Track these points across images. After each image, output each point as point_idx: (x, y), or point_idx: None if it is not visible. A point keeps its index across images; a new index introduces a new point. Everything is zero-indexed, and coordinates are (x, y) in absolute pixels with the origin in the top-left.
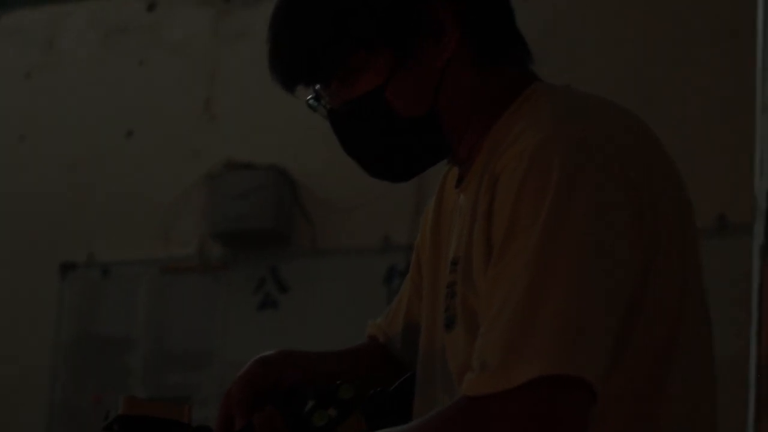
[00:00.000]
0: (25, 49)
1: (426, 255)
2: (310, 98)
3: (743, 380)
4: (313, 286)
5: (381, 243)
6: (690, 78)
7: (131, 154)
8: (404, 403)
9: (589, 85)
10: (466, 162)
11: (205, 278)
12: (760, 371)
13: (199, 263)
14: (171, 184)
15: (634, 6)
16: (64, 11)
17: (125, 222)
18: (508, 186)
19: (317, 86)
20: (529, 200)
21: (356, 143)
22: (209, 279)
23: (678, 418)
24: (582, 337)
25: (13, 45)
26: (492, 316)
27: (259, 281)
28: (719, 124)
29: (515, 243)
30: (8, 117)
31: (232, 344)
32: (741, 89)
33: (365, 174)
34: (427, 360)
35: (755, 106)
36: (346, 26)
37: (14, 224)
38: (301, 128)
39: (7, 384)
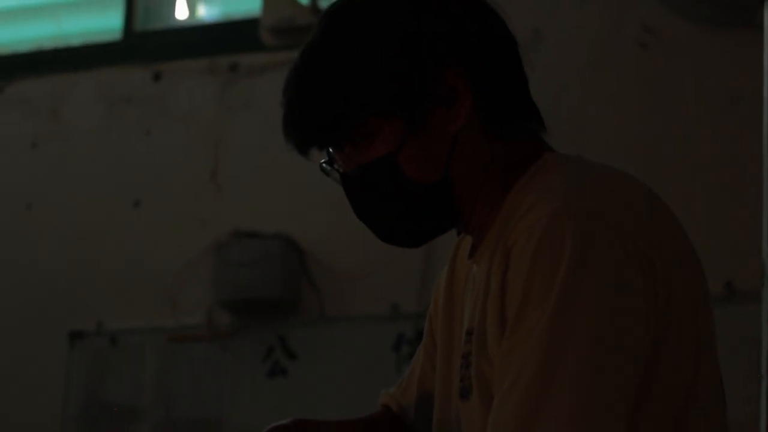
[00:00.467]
0: (31, 119)
1: (439, 324)
2: (323, 162)
3: None
4: (322, 353)
5: (389, 311)
6: (696, 145)
7: (138, 223)
8: None
9: (595, 154)
10: (478, 232)
11: (213, 346)
12: None
13: (207, 331)
14: (178, 253)
15: (639, 77)
16: (70, 81)
17: (133, 291)
18: (521, 258)
19: (330, 150)
20: (542, 273)
21: (367, 208)
22: (217, 347)
23: None
24: (594, 416)
25: (19, 114)
26: (505, 390)
27: (268, 349)
28: (725, 192)
29: (528, 317)
30: (15, 186)
31: (242, 412)
32: (747, 156)
33: (372, 242)
34: (441, 429)
35: (762, 173)
36: (359, 92)
37: (22, 293)
38: (308, 197)
39: None
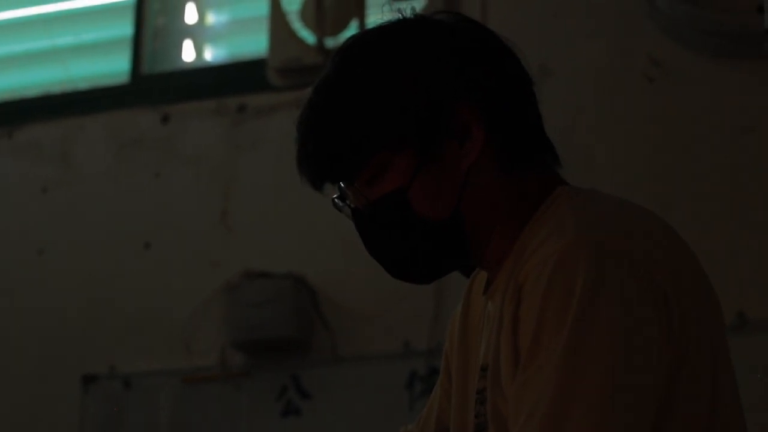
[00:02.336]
0: (41, 164)
1: (454, 360)
2: (335, 197)
3: None
4: (335, 392)
5: (401, 349)
6: (707, 177)
7: (149, 265)
8: None
9: (606, 189)
10: (493, 267)
11: (227, 387)
12: None
13: (221, 372)
14: (190, 294)
15: (647, 110)
16: (78, 125)
17: (145, 333)
18: (533, 292)
19: (342, 185)
20: (554, 307)
21: (378, 244)
22: (231, 388)
23: None
24: None
25: (28, 160)
26: (519, 426)
27: (281, 389)
28: (736, 222)
29: (541, 351)
30: (26, 231)
31: None
32: (758, 186)
33: (383, 280)
34: None
35: None
36: (371, 126)
37: (34, 338)
38: (319, 236)
39: None
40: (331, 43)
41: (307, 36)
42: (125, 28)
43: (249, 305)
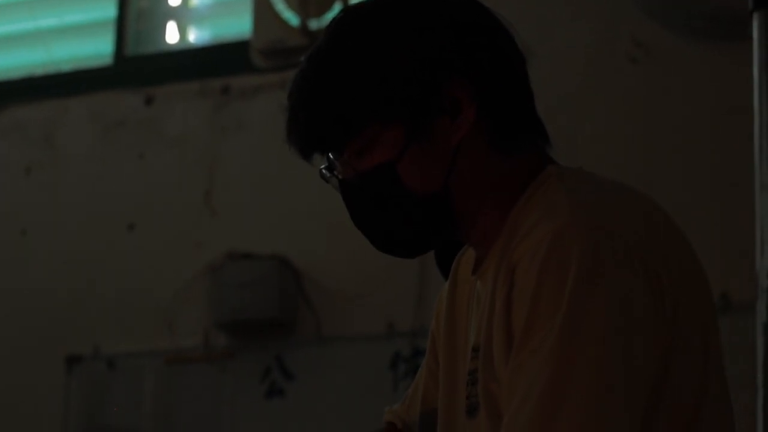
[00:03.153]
0: (25, 145)
1: (441, 341)
2: (323, 168)
3: None
4: (319, 373)
5: (385, 330)
6: (689, 158)
7: (133, 247)
8: None
9: (590, 169)
10: (481, 247)
11: (210, 368)
12: None
13: (204, 353)
14: (174, 275)
15: (631, 91)
16: (62, 106)
17: (129, 314)
18: (526, 276)
19: (331, 156)
20: (548, 291)
21: (365, 215)
22: (215, 369)
23: None
24: None
25: (12, 141)
26: (514, 408)
27: (265, 370)
28: (719, 204)
29: (535, 335)
30: (9, 212)
31: None
32: (741, 168)
33: (368, 261)
34: None
35: (755, 185)
36: (361, 98)
37: (18, 318)
38: (303, 217)
39: None
40: (315, 24)
41: (291, 17)
42: (109, 10)
43: (233, 286)
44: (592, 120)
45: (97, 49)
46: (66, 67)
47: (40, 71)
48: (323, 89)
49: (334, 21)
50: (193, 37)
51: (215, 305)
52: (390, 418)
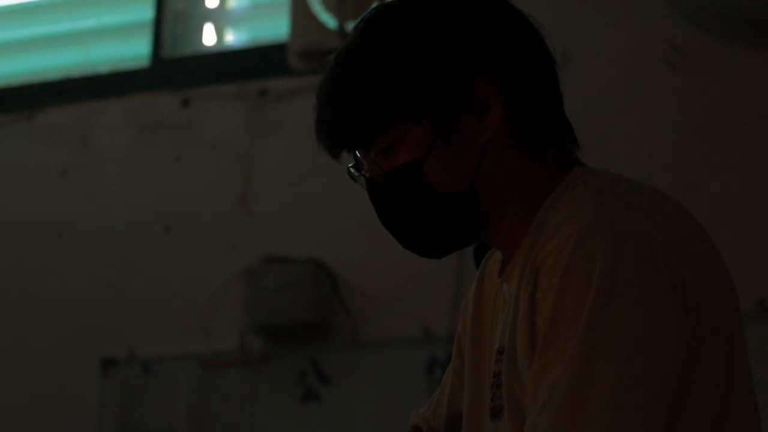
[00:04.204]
0: (61, 147)
1: (467, 344)
2: (351, 166)
3: None
4: (355, 377)
5: (421, 334)
6: (727, 163)
7: (169, 250)
8: None
9: (626, 173)
10: (508, 248)
11: (246, 372)
12: None
13: (240, 357)
14: (209, 279)
15: (669, 96)
16: (98, 108)
17: (165, 317)
18: (550, 277)
19: (358, 154)
20: (572, 292)
21: (391, 214)
22: (250, 372)
23: None
24: None
25: (48, 143)
26: (537, 411)
27: (301, 374)
28: (756, 209)
29: (559, 337)
30: (46, 215)
31: None
32: None
33: (404, 265)
34: None
35: None
36: (389, 95)
37: (53, 321)
38: (339, 220)
39: None
40: (352, 26)
41: (328, 20)
42: (146, 12)
43: (268, 290)
44: (629, 125)
45: (134, 50)
46: (103, 69)
47: (76, 73)
48: (350, 86)
49: (363, 20)
50: (230, 39)
51: (251, 308)
52: (416, 422)
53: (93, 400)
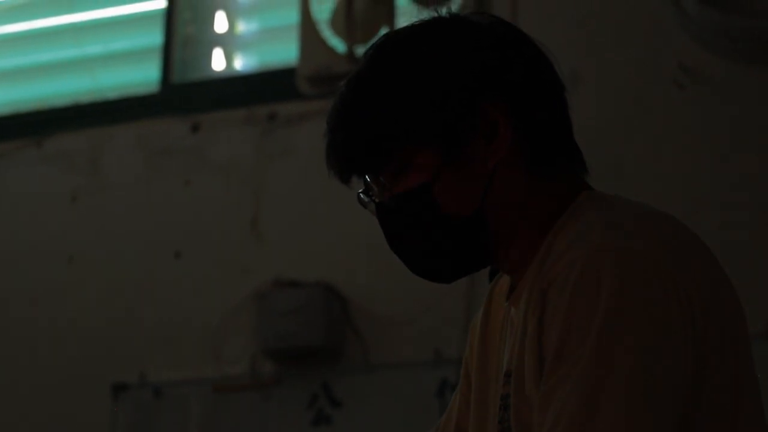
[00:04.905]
0: (70, 173)
1: (474, 367)
2: (361, 192)
3: None
4: (366, 400)
5: (432, 357)
6: (737, 184)
7: (179, 274)
8: None
9: (635, 195)
10: (515, 272)
11: (257, 396)
12: None
13: (251, 381)
14: (220, 303)
15: (677, 117)
16: (108, 134)
17: (176, 341)
18: (558, 300)
19: (368, 179)
20: (580, 315)
21: (401, 239)
22: (261, 396)
23: None
24: None
25: (58, 169)
26: None
27: (312, 397)
28: (765, 228)
29: (566, 359)
30: (56, 240)
31: None
32: None
33: (414, 288)
34: None
35: None
36: (398, 120)
37: (64, 346)
38: (349, 244)
39: None
40: (361, 51)
41: (338, 44)
42: (155, 37)
43: (279, 313)
44: (638, 146)
45: (143, 76)
46: (112, 95)
47: (85, 99)
48: (360, 111)
49: (373, 46)
50: (240, 64)
51: (262, 332)
52: None
53: (104, 424)
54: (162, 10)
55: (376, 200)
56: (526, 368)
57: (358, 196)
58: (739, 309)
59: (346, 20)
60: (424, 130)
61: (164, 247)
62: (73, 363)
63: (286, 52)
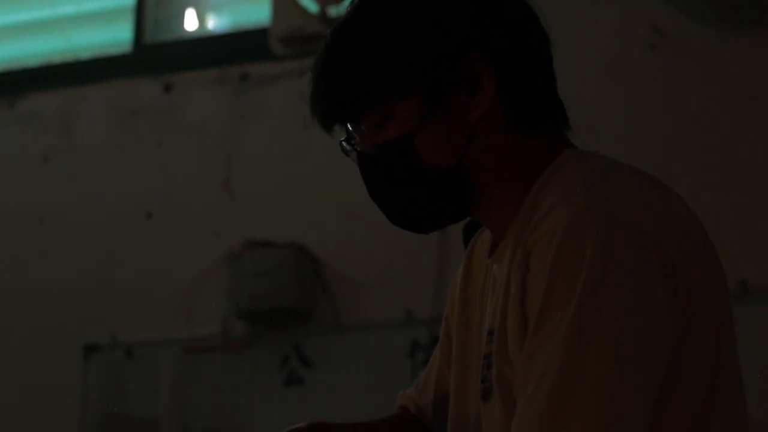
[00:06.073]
0: (42, 133)
1: (455, 325)
2: (343, 140)
3: None
4: (338, 361)
5: (403, 317)
6: (709, 145)
7: (151, 235)
8: None
9: (609, 155)
10: (497, 229)
11: (228, 357)
12: None
13: (223, 342)
14: (192, 264)
15: (649, 79)
16: (79, 94)
17: (147, 303)
18: (541, 261)
19: (350, 127)
20: (563, 278)
21: (380, 188)
22: (233, 357)
23: None
24: (618, 420)
25: (29, 129)
26: (527, 396)
27: (283, 358)
28: (739, 191)
29: (549, 321)
30: (27, 201)
31: (259, 422)
32: (760, 155)
33: (385, 249)
34: (457, 430)
35: None
36: (381, 70)
37: (36, 307)
38: (321, 205)
39: None
40: (334, 11)
41: (310, 5)
42: None
43: (251, 275)
44: (611, 107)
45: (115, 36)
46: (84, 55)
47: (57, 59)
48: (344, 60)
49: None
50: (212, 24)
51: (233, 294)
52: (403, 402)
53: (76, 385)
54: None
55: (358, 149)
56: (509, 329)
57: (341, 144)
58: (721, 273)
59: None
60: (408, 81)
61: (136, 208)
62: (45, 324)
63: (258, 13)
